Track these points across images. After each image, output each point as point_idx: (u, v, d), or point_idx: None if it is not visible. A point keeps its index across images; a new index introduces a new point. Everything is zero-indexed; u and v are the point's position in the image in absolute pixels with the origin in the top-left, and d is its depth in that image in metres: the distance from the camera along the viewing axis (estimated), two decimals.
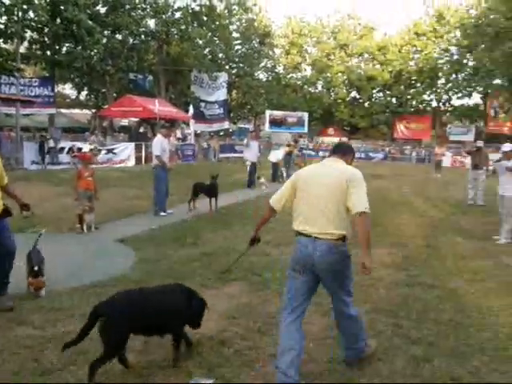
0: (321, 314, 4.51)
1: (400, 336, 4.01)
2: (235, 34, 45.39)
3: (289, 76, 52.75)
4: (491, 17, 32.68)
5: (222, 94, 37.89)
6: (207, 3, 35.43)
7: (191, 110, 32.09)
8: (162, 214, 9.87)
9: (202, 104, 35.80)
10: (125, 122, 35.88)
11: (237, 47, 45.87)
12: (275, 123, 45.14)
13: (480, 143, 14.28)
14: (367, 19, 51.95)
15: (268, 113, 45.24)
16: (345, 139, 49.08)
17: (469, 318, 4.40)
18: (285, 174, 17.45)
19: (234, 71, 45.68)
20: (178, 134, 29.11)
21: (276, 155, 17.55)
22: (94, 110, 38.87)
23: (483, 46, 36.46)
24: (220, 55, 41.04)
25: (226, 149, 32.29)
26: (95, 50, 24.72)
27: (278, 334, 3.38)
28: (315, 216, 3.27)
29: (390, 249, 7.13)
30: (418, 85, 49.27)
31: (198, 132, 35.13)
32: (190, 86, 35.04)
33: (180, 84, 36.02)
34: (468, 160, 36.56)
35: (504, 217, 8.09)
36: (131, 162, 21.57)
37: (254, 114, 52.99)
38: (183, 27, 31.47)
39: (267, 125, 45.41)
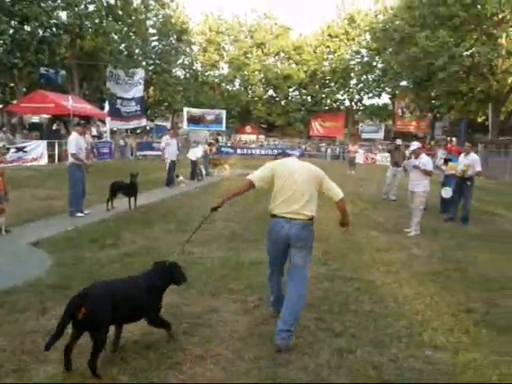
0: (244, 311, 4.54)
1: (324, 330, 4.13)
2: (152, 30, 44.44)
3: (206, 73, 52.54)
4: (396, 23, 34.63)
5: (138, 91, 36.88)
6: None
7: (107, 106, 31.00)
8: (79, 214, 9.42)
9: (119, 101, 34.60)
10: (36, 118, 33.86)
11: (154, 43, 44.97)
12: (193, 121, 44.83)
13: (399, 141, 15.03)
14: (283, 19, 53.11)
15: (186, 110, 44.81)
16: (262, 137, 50.06)
17: (386, 309, 4.64)
18: (204, 172, 17.37)
19: (151, 68, 44.69)
20: (94, 131, 28.04)
21: (195, 153, 17.40)
22: (0, 106, 36.38)
23: (390, 49, 38.50)
24: (136, 51, 39.94)
25: (143, 147, 31.61)
26: (1, 41, 23.12)
27: (204, 335, 3.58)
28: (293, 202, 4.08)
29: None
30: (332, 84, 51.06)
31: (115, 129, 34.04)
32: (106, 82, 33.77)
33: (95, 80, 34.58)
34: (379, 157, 38.74)
35: (413, 211, 8.60)
36: (44, 161, 20.46)
37: (171, 111, 52.26)
38: (97, 21, 30.20)
39: (185, 122, 44.98)
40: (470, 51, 28.84)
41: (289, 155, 4.77)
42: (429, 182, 8.59)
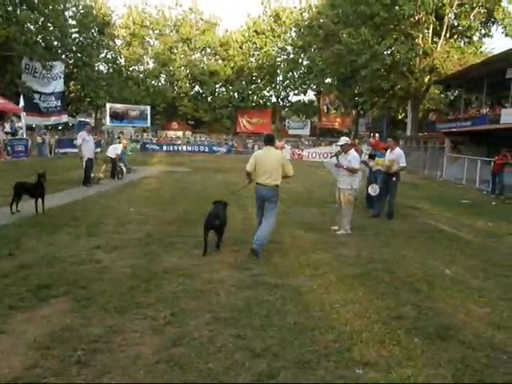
0: (153, 330, 3.93)
1: (243, 349, 3.61)
2: (72, 22, 42.38)
3: (131, 68, 50.78)
4: (321, 20, 35.02)
5: (58, 85, 34.76)
6: None
7: (22, 101, 28.90)
8: None
9: (37, 95, 32.38)
10: None
11: (74, 35, 42.89)
12: (117, 117, 43.15)
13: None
14: (209, 14, 52.32)
15: (108, 106, 43.02)
16: (188, 133, 49.10)
17: (312, 319, 4.18)
18: (124, 170, 16.37)
19: (71, 61, 42.64)
20: (7, 127, 25.99)
21: (115, 150, 16.39)
22: None
23: (315, 46, 39.00)
24: (55, 43, 37.78)
25: (63, 144, 29.95)
26: None
27: (102, 364, 3.12)
28: (267, 176, 6.58)
29: (232, 247, 6.81)
30: (259, 81, 51.07)
31: (34, 126, 31.89)
32: (21, 75, 31.42)
33: (9, 72, 32.05)
34: (306, 153, 39.04)
35: (342, 210, 8.30)
36: None
37: (94, 107, 50.17)
38: (10, 9, 28.02)
39: (108, 119, 43.13)
40: (390, 50, 29.67)
41: (267, 145, 6.89)
42: (357, 179, 8.34)
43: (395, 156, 9.77)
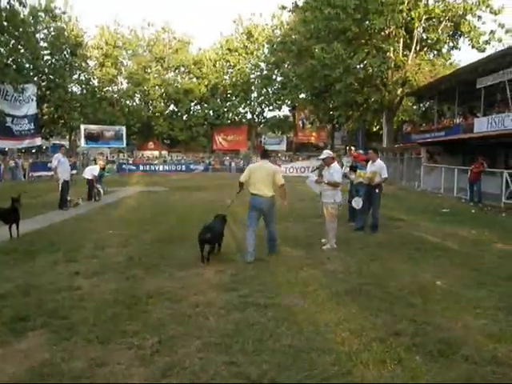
0: (141, 360, 3.68)
1: (238, 376, 3.39)
2: (43, 44, 41.78)
3: (105, 89, 50.27)
4: (293, 36, 35.33)
5: (31, 108, 34.07)
6: (7, 7, 31.59)
7: None
8: None
9: (9, 119, 31.65)
10: None
11: (46, 57, 42.26)
12: (91, 138, 42.56)
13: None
14: (182, 33, 52.32)
15: (83, 127, 42.46)
16: (165, 153, 48.70)
17: (308, 341, 3.99)
18: (102, 191, 15.99)
19: (43, 83, 42.03)
20: None
21: (91, 171, 16.05)
22: None
23: (289, 62, 39.30)
24: (26, 65, 37.20)
25: (38, 167, 29.41)
26: None
27: None
28: (261, 186, 7.08)
29: (217, 266, 6.59)
30: (234, 98, 51.10)
31: (6, 149, 31.20)
32: None
33: None
34: (284, 168, 39.02)
35: (326, 225, 8.17)
36: None
37: (68, 129, 49.48)
38: None
39: (83, 140, 42.50)
40: (363, 64, 30.02)
41: (262, 158, 7.59)
42: (339, 192, 8.22)
43: (377, 167, 9.71)
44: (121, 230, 9.48)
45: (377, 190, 9.78)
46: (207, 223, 7.21)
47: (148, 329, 4.29)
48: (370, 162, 9.94)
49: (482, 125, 19.75)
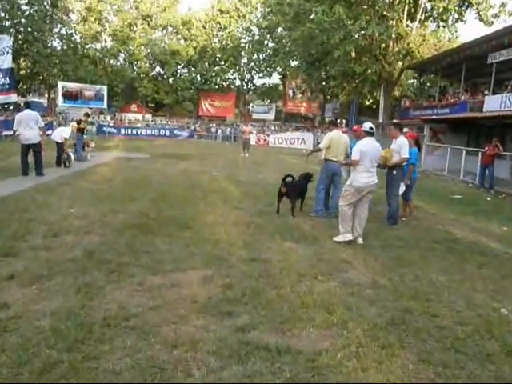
0: None
1: None
2: None
3: (87, 46, 47.49)
4: None
5: (6, 61, 31.33)
6: None
7: None
8: None
9: None
10: None
11: (23, 7, 39.48)
12: (70, 97, 40.04)
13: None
14: None
15: (61, 85, 39.91)
16: (148, 116, 46.51)
17: None
18: (72, 157, 14.12)
19: (20, 36, 39.39)
20: None
21: (61, 133, 14.17)
22: None
23: (283, 25, 37.10)
24: (1, 14, 34.51)
25: (6, 125, 27.03)
26: None
27: None
28: (340, 153, 8.30)
29: (204, 269, 4.99)
30: (222, 63, 48.97)
31: None
32: None
33: None
34: (272, 138, 37.34)
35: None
36: None
37: (47, 86, 46.97)
38: None
39: (60, 98, 39.98)
40: (364, 31, 28.10)
41: (336, 127, 9.05)
42: (359, 173, 6.68)
43: (397, 145, 8.12)
44: (86, 209, 7.76)
45: (394, 172, 8.20)
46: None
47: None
48: (393, 140, 8.31)
49: (494, 103, 18.21)
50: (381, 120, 30.37)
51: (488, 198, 12.84)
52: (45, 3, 41.37)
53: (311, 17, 27.88)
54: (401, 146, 8.06)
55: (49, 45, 42.45)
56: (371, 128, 7.04)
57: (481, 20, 29.31)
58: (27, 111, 11.89)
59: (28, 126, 11.52)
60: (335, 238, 6.74)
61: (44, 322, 3.53)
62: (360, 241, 6.77)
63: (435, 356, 3.30)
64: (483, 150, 15.49)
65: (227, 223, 7.28)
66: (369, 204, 7.06)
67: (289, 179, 8.34)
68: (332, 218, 7.89)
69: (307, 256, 5.79)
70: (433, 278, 5.15)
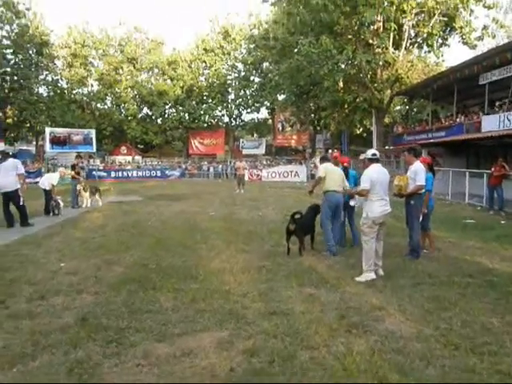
0: None
1: None
2: (6, 42, 39.15)
3: (74, 91, 47.27)
4: (278, 32, 33.19)
5: None
6: None
7: None
8: None
9: None
10: None
11: (9, 56, 39.37)
12: (58, 142, 39.27)
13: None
14: (155, 33, 49.84)
15: (48, 131, 39.28)
16: (138, 158, 45.96)
17: None
18: (61, 204, 13.33)
19: (6, 84, 39.17)
20: None
21: (49, 179, 13.48)
22: None
23: (270, 60, 37.14)
24: None
25: None
26: None
27: None
28: (338, 183, 7.84)
29: (218, 330, 4.24)
30: (210, 100, 48.87)
31: None
32: None
33: None
34: (265, 173, 36.87)
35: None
36: None
37: (34, 133, 46.51)
38: None
39: (48, 144, 39.34)
40: (351, 61, 28.07)
41: (328, 161, 8.29)
42: (376, 204, 6.06)
43: (412, 172, 7.50)
44: (77, 262, 7.00)
45: (412, 202, 7.55)
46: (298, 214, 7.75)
47: None
48: (409, 167, 7.70)
49: (492, 123, 17.84)
50: (374, 147, 29.99)
51: (502, 221, 12.19)
52: (30, 51, 41.34)
53: (297, 50, 27.82)
54: (416, 173, 7.44)
55: (35, 92, 42.22)
56: (374, 154, 6.69)
57: (465, 43, 29.45)
58: (10, 160, 11.19)
59: (7, 174, 10.83)
60: (357, 279, 6.08)
61: None
62: (381, 272, 6.28)
63: None
64: (487, 171, 14.95)
65: (235, 269, 6.53)
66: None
67: (297, 216, 7.77)
68: (349, 255, 7.17)
69: (333, 304, 5.06)
70: (484, 322, 4.44)
